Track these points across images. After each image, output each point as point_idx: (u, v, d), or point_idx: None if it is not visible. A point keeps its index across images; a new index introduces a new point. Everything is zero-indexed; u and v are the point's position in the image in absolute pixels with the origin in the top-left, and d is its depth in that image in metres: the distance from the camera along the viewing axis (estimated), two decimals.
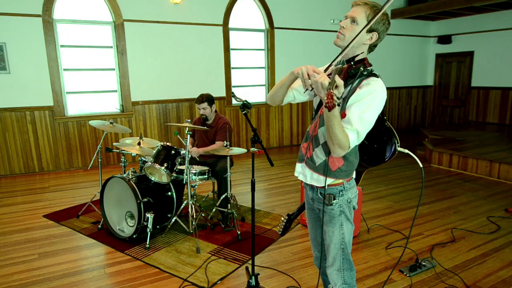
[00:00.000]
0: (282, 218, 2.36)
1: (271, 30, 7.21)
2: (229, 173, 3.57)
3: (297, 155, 1.84)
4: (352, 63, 1.60)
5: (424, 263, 2.85)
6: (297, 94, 1.84)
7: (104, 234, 3.48)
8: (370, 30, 1.57)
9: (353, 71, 1.56)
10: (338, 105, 1.32)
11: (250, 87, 7.43)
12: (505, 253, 3.09)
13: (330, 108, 1.30)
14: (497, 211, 4.06)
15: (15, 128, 5.48)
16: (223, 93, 6.93)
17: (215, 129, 3.92)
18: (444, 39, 9.19)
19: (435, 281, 2.68)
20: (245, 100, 2.29)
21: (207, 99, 3.86)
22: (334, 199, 1.69)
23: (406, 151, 1.79)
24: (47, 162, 5.75)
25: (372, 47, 1.65)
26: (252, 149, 2.32)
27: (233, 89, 7.08)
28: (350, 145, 1.49)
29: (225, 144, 3.50)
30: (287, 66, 7.40)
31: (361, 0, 1.59)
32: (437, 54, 9.55)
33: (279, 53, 7.34)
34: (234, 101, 7.00)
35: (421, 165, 1.76)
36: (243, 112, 2.27)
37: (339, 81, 1.32)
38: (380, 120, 1.69)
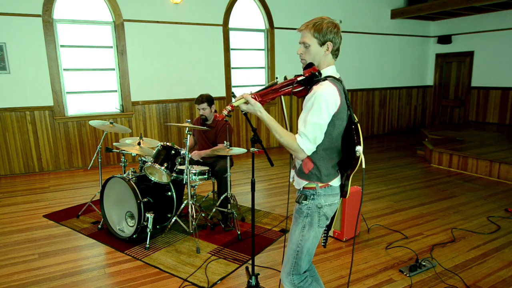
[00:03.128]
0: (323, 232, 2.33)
1: (271, 30, 7.21)
2: (229, 173, 3.57)
3: None
4: (305, 75, 1.73)
5: (424, 263, 2.85)
6: None
7: (104, 234, 3.48)
8: (322, 43, 1.69)
9: (303, 81, 1.72)
10: (228, 116, 1.67)
11: (250, 87, 7.43)
12: (505, 253, 3.10)
13: (218, 119, 1.75)
14: (497, 211, 4.06)
15: (15, 128, 5.48)
16: (223, 93, 6.93)
17: (215, 129, 3.92)
18: (444, 39, 9.19)
19: (435, 281, 2.68)
20: None
21: (207, 99, 3.86)
22: (305, 199, 1.76)
23: (360, 151, 1.74)
24: (47, 162, 5.76)
25: (335, 53, 1.75)
26: (252, 149, 2.32)
27: (233, 89, 7.08)
28: (302, 147, 1.63)
29: (225, 144, 3.51)
30: (287, 66, 7.40)
31: (302, 26, 1.73)
32: (437, 54, 9.55)
33: (279, 53, 7.35)
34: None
35: (364, 166, 1.71)
36: (243, 112, 2.27)
37: (245, 95, 1.66)
38: (352, 125, 1.72)
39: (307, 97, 1.68)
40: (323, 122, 1.63)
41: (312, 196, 1.75)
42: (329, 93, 1.61)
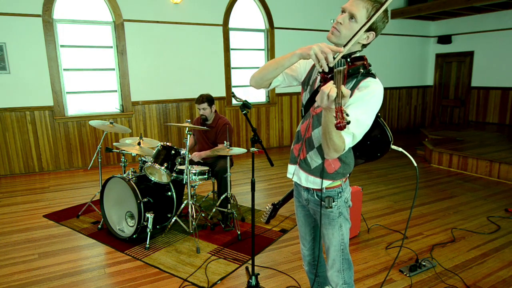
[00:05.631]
0: (267, 207, 2.39)
1: (271, 30, 7.21)
2: (229, 173, 3.57)
3: None
4: (348, 59, 1.46)
5: (424, 263, 2.85)
6: (288, 78, 1.72)
7: (104, 234, 3.48)
8: (368, 29, 1.45)
9: (351, 71, 1.45)
10: (348, 123, 1.15)
11: (250, 87, 7.40)
12: (505, 253, 3.10)
13: (341, 128, 1.13)
14: (497, 211, 4.06)
15: (15, 128, 5.48)
16: (223, 93, 6.93)
17: (215, 129, 3.92)
18: (444, 39, 9.19)
19: (435, 281, 2.68)
20: (245, 100, 2.29)
21: (207, 99, 3.86)
22: (334, 201, 1.66)
23: (400, 149, 1.77)
24: (47, 162, 5.75)
25: (366, 45, 1.56)
26: (252, 149, 2.32)
27: (233, 89, 7.08)
28: (345, 148, 1.42)
29: (225, 144, 3.51)
30: None
31: None
32: (437, 54, 9.55)
33: (279, 53, 7.34)
34: (234, 101, 7.00)
35: (415, 164, 1.75)
36: (243, 112, 2.27)
37: (346, 91, 1.19)
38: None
39: (360, 93, 1.42)
40: (371, 124, 1.45)
41: (339, 195, 1.67)
42: (382, 93, 1.46)
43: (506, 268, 2.86)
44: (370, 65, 1.49)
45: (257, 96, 7.50)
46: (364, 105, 1.42)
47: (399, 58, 9.15)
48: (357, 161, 1.78)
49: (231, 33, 6.91)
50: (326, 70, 1.34)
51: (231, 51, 6.94)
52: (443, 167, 5.95)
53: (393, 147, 1.68)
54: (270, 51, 7.30)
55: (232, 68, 7.00)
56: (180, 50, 6.42)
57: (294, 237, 3.41)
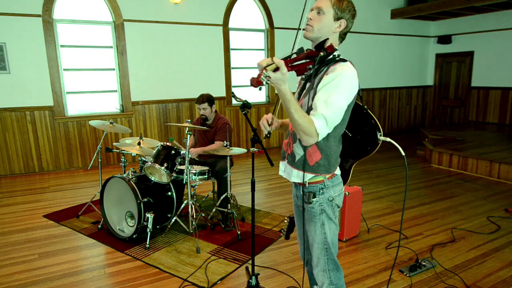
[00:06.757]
0: (285, 221, 2.36)
1: (271, 30, 7.21)
2: (229, 173, 3.57)
3: None
4: (321, 50, 1.57)
5: (424, 263, 2.85)
6: None
7: (104, 234, 3.48)
8: (337, 18, 1.59)
9: (319, 58, 1.54)
10: (266, 83, 1.32)
11: (250, 87, 7.41)
12: (505, 253, 3.10)
13: (253, 84, 1.30)
14: (497, 211, 4.06)
15: (15, 128, 5.48)
16: (223, 93, 6.93)
17: (214, 129, 3.93)
18: (444, 39, 9.19)
19: (435, 281, 2.68)
20: (245, 100, 2.29)
21: (208, 99, 3.86)
22: (314, 197, 1.65)
23: (388, 139, 1.78)
24: (47, 162, 5.75)
25: (342, 36, 1.65)
26: (252, 149, 2.32)
27: (233, 89, 7.08)
28: (318, 131, 1.46)
29: (225, 144, 3.51)
30: None
31: None
32: (437, 54, 9.55)
33: (279, 53, 7.34)
34: (234, 101, 7.00)
35: (403, 153, 1.76)
36: (243, 112, 2.27)
37: (278, 61, 1.33)
38: (360, 110, 1.66)
39: (328, 76, 1.52)
40: (346, 106, 1.52)
41: (321, 191, 1.65)
42: (354, 75, 1.52)
43: (506, 268, 2.86)
44: (335, 50, 1.59)
45: (257, 96, 7.50)
46: (332, 88, 1.49)
47: (399, 58, 9.15)
48: (350, 160, 1.78)
49: (231, 33, 6.91)
50: (266, 132, 1.60)
51: (231, 51, 6.94)
52: (443, 167, 5.96)
53: (382, 138, 1.69)
54: (270, 51, 7.30)
55: (232, 68, 7.00)
56: (180, 50, 6.42)
57: (294, 237, 3.40)
